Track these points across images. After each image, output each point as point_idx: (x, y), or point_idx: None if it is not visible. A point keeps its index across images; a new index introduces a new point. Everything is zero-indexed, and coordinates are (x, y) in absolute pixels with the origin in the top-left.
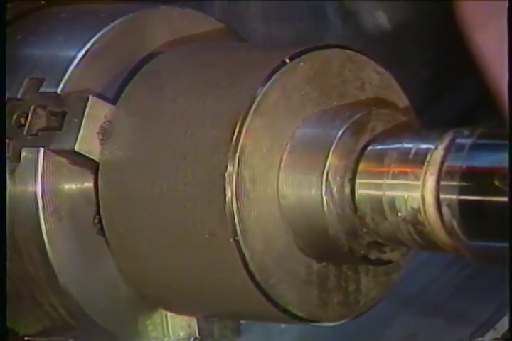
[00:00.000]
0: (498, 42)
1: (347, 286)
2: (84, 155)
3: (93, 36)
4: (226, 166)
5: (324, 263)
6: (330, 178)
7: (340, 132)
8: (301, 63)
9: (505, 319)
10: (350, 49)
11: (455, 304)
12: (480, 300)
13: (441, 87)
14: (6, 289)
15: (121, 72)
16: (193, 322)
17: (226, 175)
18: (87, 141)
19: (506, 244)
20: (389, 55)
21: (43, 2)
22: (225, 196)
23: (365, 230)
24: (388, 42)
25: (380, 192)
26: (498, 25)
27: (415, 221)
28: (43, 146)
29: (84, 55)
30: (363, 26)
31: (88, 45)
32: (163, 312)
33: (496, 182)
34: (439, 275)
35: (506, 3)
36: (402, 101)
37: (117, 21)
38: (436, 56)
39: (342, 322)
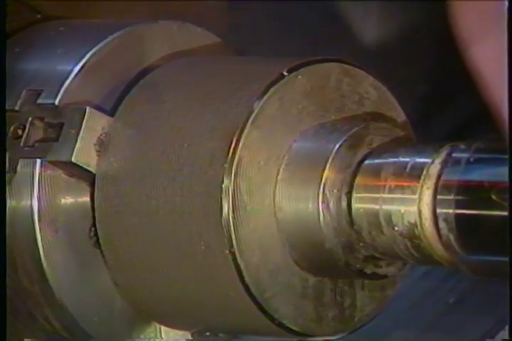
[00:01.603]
0: (497, 56)
1: (342, 301)
2: (81, 167)
3: (91, 49)
4: (223, 178)
5: (320, 277)
6: (327, 192)
7: (337, 146)
8: (299, 76)
9: (502, 333)
10: (348, 63)
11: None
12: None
13: (439, 101)
14: (6, 306)
15: (119, 84)
16: (188, 336)
17: (223, 187)
18: (84, 153)
19: (503, 258)
20: (385, 69)
21: (39, 16)
22: (222, 208)
23: (361, 244)
24: (385, 56)
25: (376, 206)
26: (497, 39)
27: (412, 235)
28: (39, 158)
29: (82, 68)
30: (359, 39)
31: (86, 58)
32: (158, 326)
33: (493, 196)
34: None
35: (506, 3)
36: (399, 115)
37: (115, 34)
38: (434, 70)
39: (337, 337)
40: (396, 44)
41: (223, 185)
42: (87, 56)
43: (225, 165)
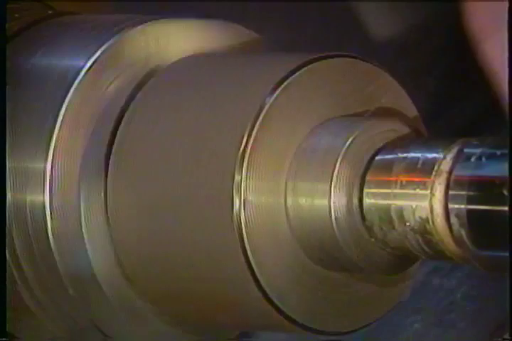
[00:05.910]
0: (506, 52)
1: (355, 296)
2: None
3: (102, 45)
4: (234, 176)
5: (333, 273)
6: (338, 188)
7: (349, 141)
8: (311, 72)
9: None
10: (360, 58)
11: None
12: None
13: (450, 97)
14: (5, 306)
15: (131, 82)
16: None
17: (234, 183)
18: None
19: None
20: (398, 64)
21: (50, 12)
22: (233, 204)
23: (373, 240)
24: (397, 51)
25: (388, 202)
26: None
27: (423, 230)
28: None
29: (93, 64)
30: (371, 36)
31: (97, 54)
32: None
33: (505, 192)
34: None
35: (507, 4)
36: (411, 111)
37: (127, 30)
38: (447, 65)
39: (348, 332)
40: (408, 40)
41: (234, 181)
42: (99, 52)
43: (236, 163)
